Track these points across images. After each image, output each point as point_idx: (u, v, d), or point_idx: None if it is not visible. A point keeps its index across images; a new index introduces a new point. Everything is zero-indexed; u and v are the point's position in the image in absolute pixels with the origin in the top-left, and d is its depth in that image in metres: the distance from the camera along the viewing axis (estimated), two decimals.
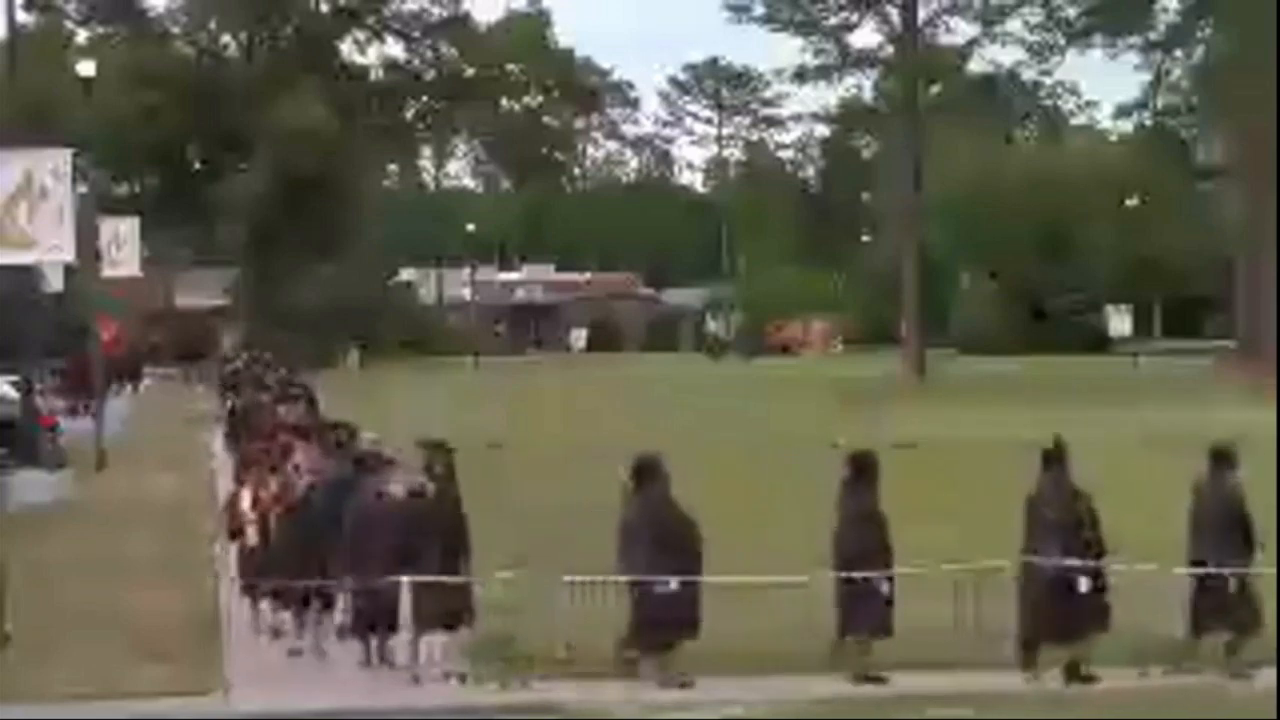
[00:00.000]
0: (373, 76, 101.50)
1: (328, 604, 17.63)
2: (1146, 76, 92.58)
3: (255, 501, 18.54)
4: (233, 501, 19.48)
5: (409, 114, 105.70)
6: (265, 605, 18.57)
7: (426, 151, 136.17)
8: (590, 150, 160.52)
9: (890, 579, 16.41)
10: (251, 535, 18.55)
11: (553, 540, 21.92)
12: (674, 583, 16.11)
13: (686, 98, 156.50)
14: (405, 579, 16.43)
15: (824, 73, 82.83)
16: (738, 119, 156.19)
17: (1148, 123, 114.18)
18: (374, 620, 16.84)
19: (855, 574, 16.37)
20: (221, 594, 19.18)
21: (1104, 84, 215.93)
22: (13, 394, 37.32)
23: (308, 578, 17.22)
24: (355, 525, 16.93)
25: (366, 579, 16.58)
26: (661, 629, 16.20)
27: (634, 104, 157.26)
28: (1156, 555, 17.13)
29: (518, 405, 57.13)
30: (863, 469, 16.82)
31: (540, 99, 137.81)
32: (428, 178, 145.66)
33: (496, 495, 24.46)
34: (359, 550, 16.81)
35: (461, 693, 16.20)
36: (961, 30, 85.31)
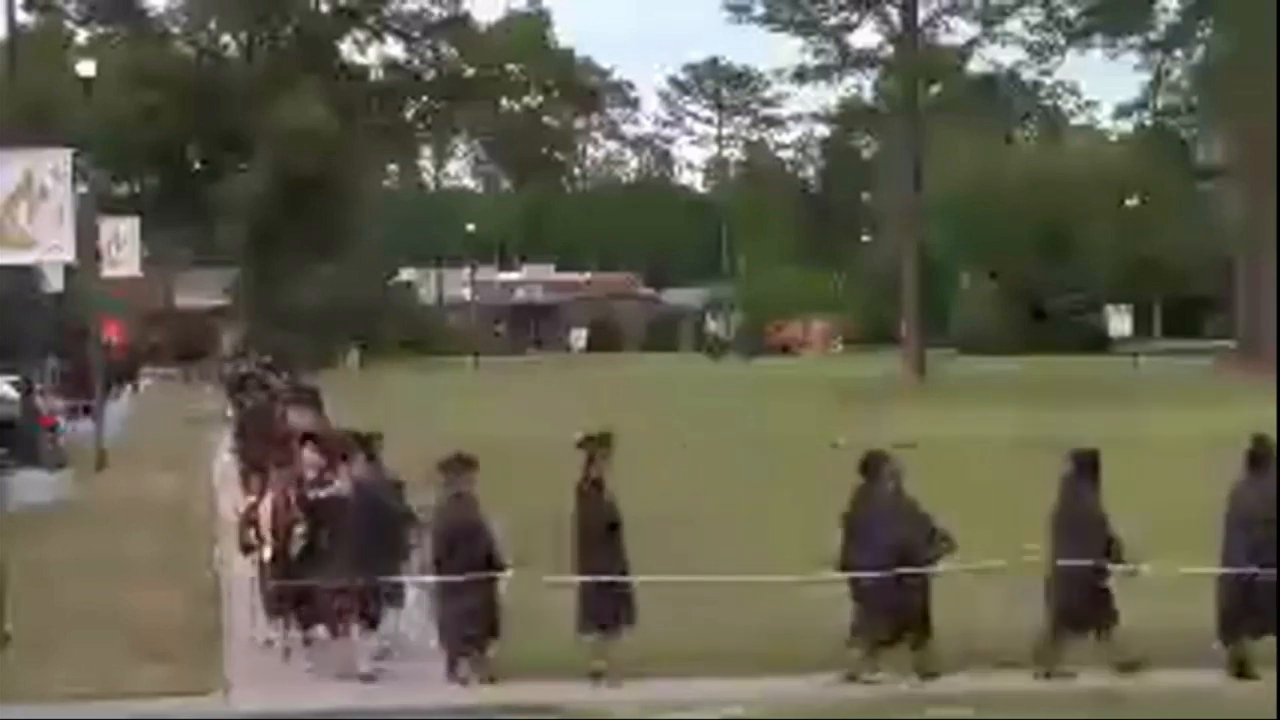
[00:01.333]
0: (373, 76, 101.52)
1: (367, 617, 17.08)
2: (1146, 76, 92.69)
3: (275, 513, 17.65)
4: (250, 513, 18.29)
5: (409, 114, 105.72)
6: (285, 620, 17.74)
7: (426, 151, 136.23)
8: (590, 150, 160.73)
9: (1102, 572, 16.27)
10: (271, 549, 17.65)
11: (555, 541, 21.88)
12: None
13: (686, 98, 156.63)
14: (581, 578, 16.30)
15: (824, 73, 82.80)
16: (738, 119, 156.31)
17: (1148, 123, 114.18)
18: (475, 628, 16.53)
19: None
20: (221, 594, 19.19)
21: (1104, 84, 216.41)
22: (13, 394, 37.32)
23: (353, 590, 16.80)
24: (450, 531, 16.64)
25: (462, 586, 16.32)
26: (890, 620, 16.15)
27: (634, 104, 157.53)
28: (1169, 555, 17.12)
29: (519, 405, 57.11)
30: (1085, 466, 16.71)
31: (540, 99, 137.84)
32: (428, 178, 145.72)
33: (500, 495, 24.40)
34: (456, 557, 16.55)
35: (462, 693, 16.20)
36: (961, 30, 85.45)
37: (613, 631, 16.42)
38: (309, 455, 17.99)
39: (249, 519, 18.08)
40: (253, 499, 18.41)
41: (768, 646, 16.75)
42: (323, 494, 17.49)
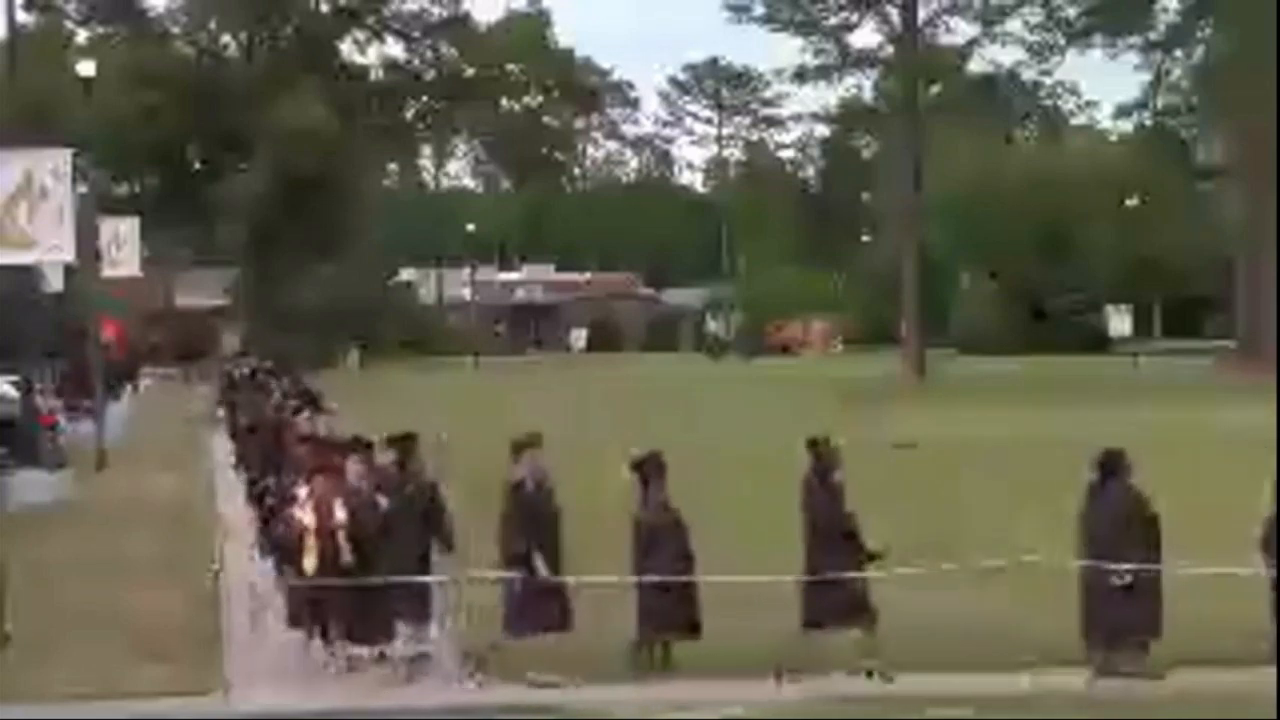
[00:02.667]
0: (373, 76, 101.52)
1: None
2: (1146, 76, 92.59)
3: (320, 521, 16.93)
4: (291, 520, 17.36)
5: (409, 114, 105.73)
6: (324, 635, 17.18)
7: (426, 151, 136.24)
8: (590, 150, 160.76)
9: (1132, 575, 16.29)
10: (314, 559, 16.94)
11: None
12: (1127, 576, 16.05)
13: (686, 98, 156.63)
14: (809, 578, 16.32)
15: (824, 73, 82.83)
16: (738, 119, 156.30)
17: (1148, 123, 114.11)
18: (671, 623, 16.47)
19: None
20: (221, 594, 19.17)
21: (1104, 84, 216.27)
22: (13, 394, 37.31)
23: (406, 598, 16.69)
24: (648, 529, 16.63)
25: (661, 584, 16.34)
26: (1121, 623, 16.14)
27: (634, 104, 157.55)
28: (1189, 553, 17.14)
29: (521, 405, 57.10)
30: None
31: (540, 99, 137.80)
32: (428, 178, 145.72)
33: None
34: (649, 553, 16.55)
35: (461, 693, 16.20)
36: (961, 30, 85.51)
37: (683, 635, 16.48)
38: (354, 466, 17.45)
39: (290, 525, 17.38)
40: (270, 502, 18.07)
41: (768, 646, 16.72)
42: (385, 505, 17.09)
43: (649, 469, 16.99)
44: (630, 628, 16.63)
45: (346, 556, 16.75)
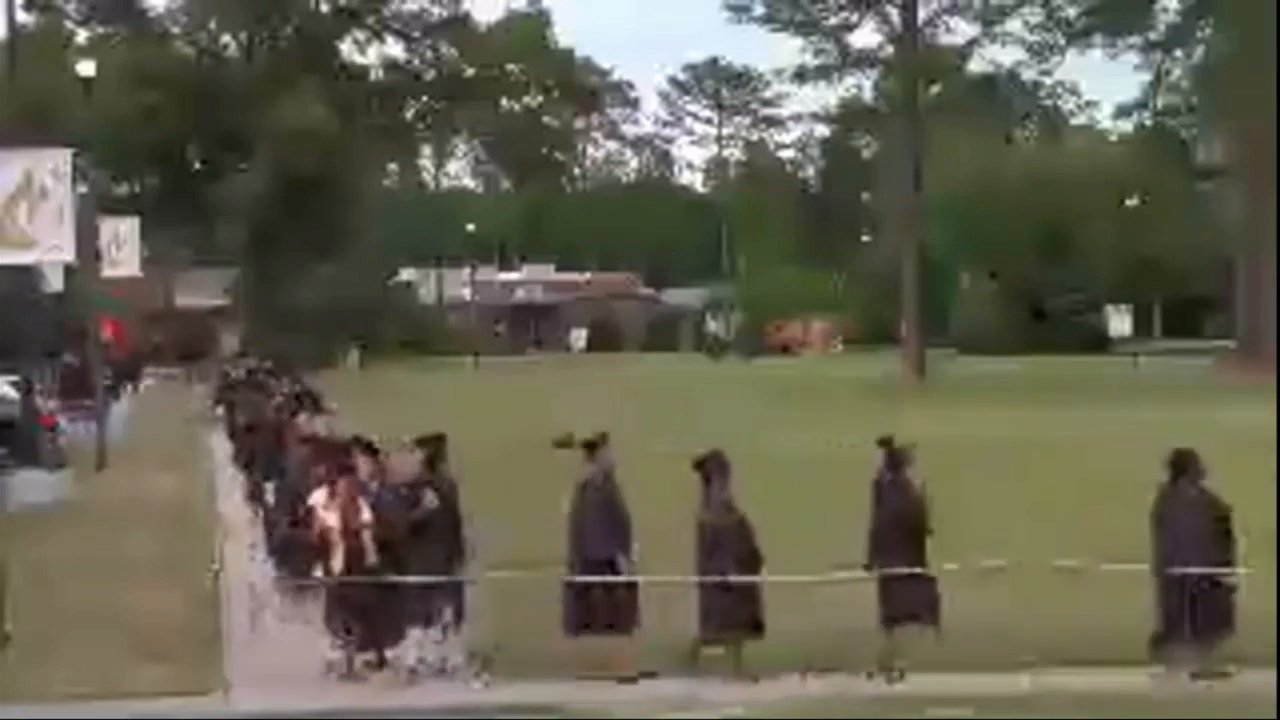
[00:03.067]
0: (373, 76, 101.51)
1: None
2: (1146, 76, 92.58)
3: (345, 522, 16.84)
4: (316, 521, 17.07)
5: (409, 114, 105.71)
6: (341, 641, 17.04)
7: (426, 151, 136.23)
8: (590, 150, 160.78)
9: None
10: (340, 560, 16.82)
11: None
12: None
13: (686, 98, 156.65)
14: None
15: (824, 73, 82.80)
16: (738, 119, 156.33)
17: (1148, 123, 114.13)
18: (734, 622, 16.47)
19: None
20: (221, 594, 19.16)
21: (1104, 84, 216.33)
22: (13, 394, 37.31)
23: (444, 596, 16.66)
24: (712, 529, 16.65)
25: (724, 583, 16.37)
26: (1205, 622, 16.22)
27: (634, 104, 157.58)
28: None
29: (521, 404, 57.11)
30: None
31: (540, 99, 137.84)
32: (428, 178, 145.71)
33: (506, 495, 24.46)
34: (713, 553, 16.58)
35: (462, 693, 16.20)
36: (961, 30, 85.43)
37: (744, 635, 16.51)
38: (365, 464, 17.41)
39: (314, 526, 17.10)
40: (270, 503, 17.93)
41: (769, 647, 16.73)
42: (418, 512, 16.94)
43: (711, 468, 17.04)
44: (692, 627, 16.62)
45: (371, 557, 16.73)
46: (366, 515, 16.84)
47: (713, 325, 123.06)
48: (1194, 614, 16.18)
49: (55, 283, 47.34)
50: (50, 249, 29.82)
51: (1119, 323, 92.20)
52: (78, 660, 17.50)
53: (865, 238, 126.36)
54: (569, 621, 16.56)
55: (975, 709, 15.18)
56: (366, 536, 16.76)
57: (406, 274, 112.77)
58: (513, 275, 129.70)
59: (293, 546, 18.99)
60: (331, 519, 16.84)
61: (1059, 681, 15.99)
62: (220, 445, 39.54)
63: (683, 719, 15.28)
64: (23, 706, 16.03)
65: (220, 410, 44.52)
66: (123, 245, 48.57)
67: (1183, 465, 16.63)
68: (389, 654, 16.91)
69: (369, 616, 16.66)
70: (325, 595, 17.22)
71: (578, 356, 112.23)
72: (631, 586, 16.57)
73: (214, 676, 16.58)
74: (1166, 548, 16.38)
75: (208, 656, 17.44)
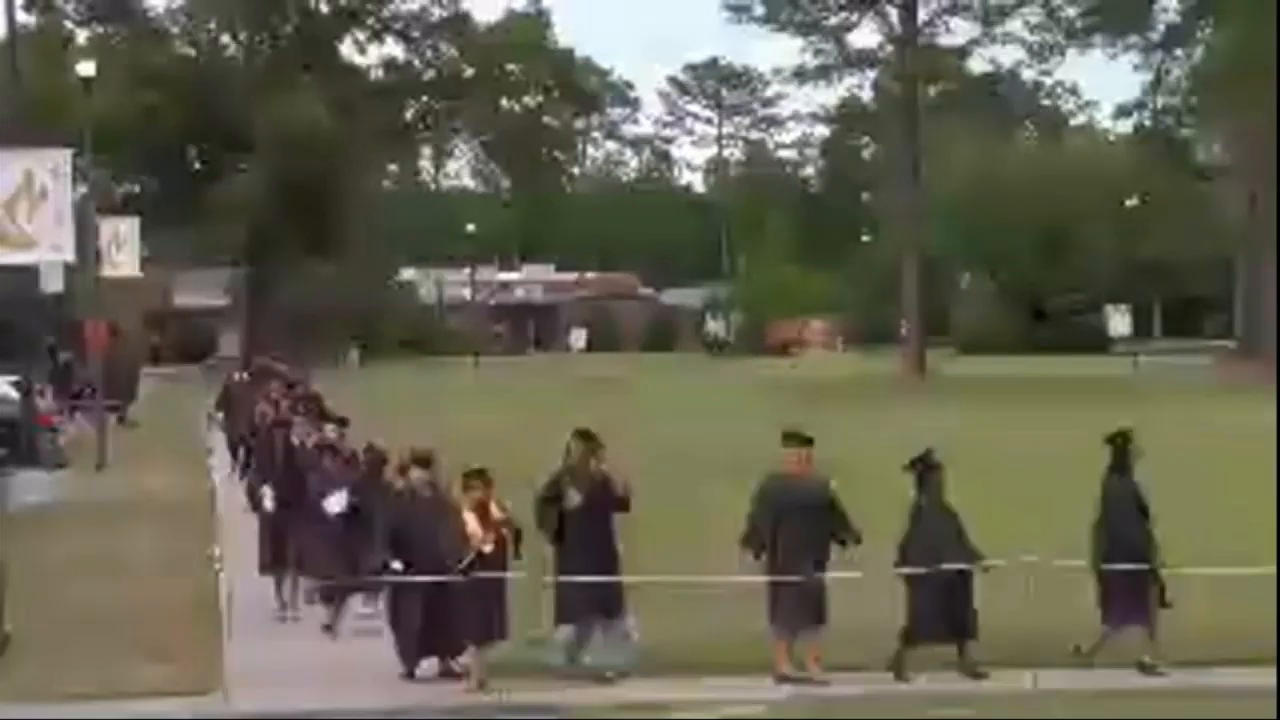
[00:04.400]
0: (373, 76, 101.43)
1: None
2: (1146, 76, 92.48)
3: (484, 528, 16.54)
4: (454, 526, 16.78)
5: (409, 114, 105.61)
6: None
7: (426, 151, 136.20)
8: (590, 150, 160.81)
9: None
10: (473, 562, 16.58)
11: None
12: None
13: (686, 98, 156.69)
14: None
15: (824, 73, 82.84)
16: (738, 119, 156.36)
17: (1148, 123, 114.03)
18: (805, 613, 16.47)
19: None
20: (222, 593, 19.15)
21: (1104, 84, 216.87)
22: (13, 394, 37.33)
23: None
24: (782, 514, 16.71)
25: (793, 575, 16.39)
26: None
27: (634, 104, 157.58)
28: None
29: (522, 404, 57.11)
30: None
31: (540, 99, 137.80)
32: (428, 178, 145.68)
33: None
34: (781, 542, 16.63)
35: (461, 693, 16.19)
36: (961, 30, 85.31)
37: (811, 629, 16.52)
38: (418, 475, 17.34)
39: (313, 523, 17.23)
40: (270, 503, 17.78)
41: (767, 647, 16.73)
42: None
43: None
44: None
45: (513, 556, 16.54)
46: (499, 514, 16.54)
47: (713, 325, 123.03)
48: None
49: (55, 283, 47.33)
50: (50, 249, 29.86)
51: (1119, 323, 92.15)
52: (78, 660, 17.50)
53: (865, 238, 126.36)
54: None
55: (975, 709, 15.19)
56: (508, 533, 16.47)
57: (406, 274, 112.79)
58: (513, 275, 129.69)
59: (314, 550, 18.96)
60: (471, 524, 16.42)
61: (1059, 681, 15.99)
62: (220, 445, 39.51)
63: (682, 718, 15.27)
64: (23, 706, 16.02)
65: (221, 412, 44.43)
66: (122, 245, 48.61)
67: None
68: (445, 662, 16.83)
69: (468, 619, 16.37)
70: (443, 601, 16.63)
71: (578, 357, 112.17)
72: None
73: (214, 676, 16.57)
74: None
75: (208, 656, 17.43)
